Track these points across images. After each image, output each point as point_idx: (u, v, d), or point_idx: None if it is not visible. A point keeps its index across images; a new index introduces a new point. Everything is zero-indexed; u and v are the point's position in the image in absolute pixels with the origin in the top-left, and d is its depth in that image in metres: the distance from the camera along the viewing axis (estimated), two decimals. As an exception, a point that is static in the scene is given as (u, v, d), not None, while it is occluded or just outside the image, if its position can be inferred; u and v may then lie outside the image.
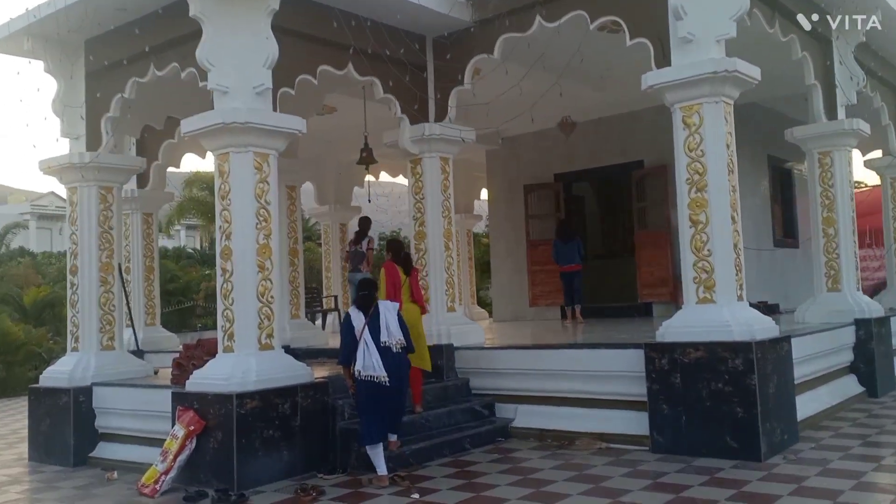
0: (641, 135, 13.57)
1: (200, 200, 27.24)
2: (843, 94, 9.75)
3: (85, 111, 8.77)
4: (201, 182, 27.50)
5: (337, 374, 7.74)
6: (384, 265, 8.10)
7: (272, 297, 7.02)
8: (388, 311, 6.70)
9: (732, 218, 7.01)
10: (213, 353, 7.22)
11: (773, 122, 13.08)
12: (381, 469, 6.41)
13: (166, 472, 6.72)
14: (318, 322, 14.36)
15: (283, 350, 7.27)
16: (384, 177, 16.73)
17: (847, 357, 9.36)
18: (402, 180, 17.51)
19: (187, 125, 7.21)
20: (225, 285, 7.03)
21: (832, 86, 9.74)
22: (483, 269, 22.11)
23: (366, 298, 6.75)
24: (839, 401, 8.62)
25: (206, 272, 26.94)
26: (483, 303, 20.53)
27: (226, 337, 7.01)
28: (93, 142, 8.72)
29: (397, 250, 8.16)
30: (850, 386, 9.21)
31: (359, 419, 6.72)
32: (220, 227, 7.05)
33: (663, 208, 13.27)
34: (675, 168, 7.24)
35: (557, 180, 14.72)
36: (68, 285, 8.88)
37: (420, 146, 8.90)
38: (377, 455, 6.46)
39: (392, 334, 6.55)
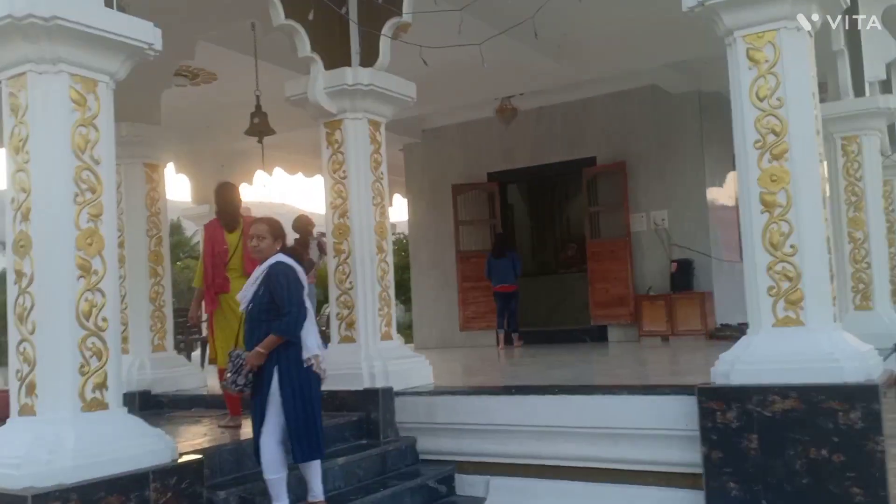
0: (594, 126, 11.56)
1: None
2: (871, 67, 7.84)
3: None
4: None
5: (217, 442, 4.93)
6: (205, 226, 6.10)
7: (105, 319, 4.13)
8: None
9: (823, 200, 4.74)
10: (2, 418, 4.27)
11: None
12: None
13: None
14: (196, 354, 11.32)
15: (125, 409, 4.36)
16: (279, 175, 13.81)
17: (890, 394, 7.29)
18: (301, 182, 14.69)
19: (-39, 31, 4.27)
20: (21, 300, 4.09)
21: (859, 55, 7.82)
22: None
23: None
24: None
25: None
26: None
27: (23, 389, 4.08)
28: None
29: (222, 196, 6.00)
30: None
31: (299, 427, 4.32)
32: (13, 199, 4.12)
33: (621, 213, 11.22)
34: (727, 133, 4.96)
35: (492, 180, 12.36)
36: None
37: (340, 102, 6.18)
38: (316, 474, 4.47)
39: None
